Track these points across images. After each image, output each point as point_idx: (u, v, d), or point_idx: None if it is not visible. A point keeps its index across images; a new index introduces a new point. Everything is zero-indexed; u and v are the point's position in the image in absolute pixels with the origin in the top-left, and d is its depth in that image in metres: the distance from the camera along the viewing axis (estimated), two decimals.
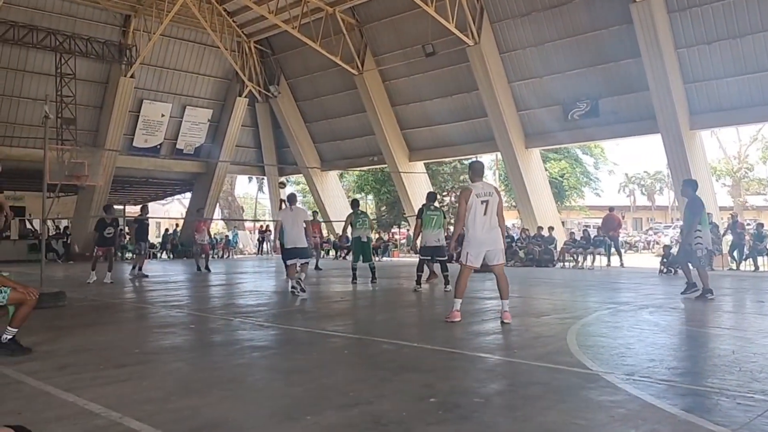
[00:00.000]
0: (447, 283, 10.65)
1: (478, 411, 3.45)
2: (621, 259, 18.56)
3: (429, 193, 11.94)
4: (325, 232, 24.67)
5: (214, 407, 3.62)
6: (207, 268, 16.72)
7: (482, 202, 6.65)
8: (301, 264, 10.26)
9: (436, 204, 11.61)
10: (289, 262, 10.17)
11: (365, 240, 12.32)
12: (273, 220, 13.74)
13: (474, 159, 8.91)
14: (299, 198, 48.28)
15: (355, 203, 13.35)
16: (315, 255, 17.41)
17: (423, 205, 11.29)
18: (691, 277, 9.37)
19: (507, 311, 6.75)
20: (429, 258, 10.93)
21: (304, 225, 10.27)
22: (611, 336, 6.09)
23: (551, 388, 3.96)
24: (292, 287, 9.88)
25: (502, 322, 6.64)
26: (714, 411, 3.44)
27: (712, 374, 4.37)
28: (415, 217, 12.63)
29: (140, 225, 14.86)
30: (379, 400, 3.70)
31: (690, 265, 9.32)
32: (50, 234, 27.49)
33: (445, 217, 11.73)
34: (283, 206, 10.91)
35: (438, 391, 3.90)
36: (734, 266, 17.14)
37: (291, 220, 10.17)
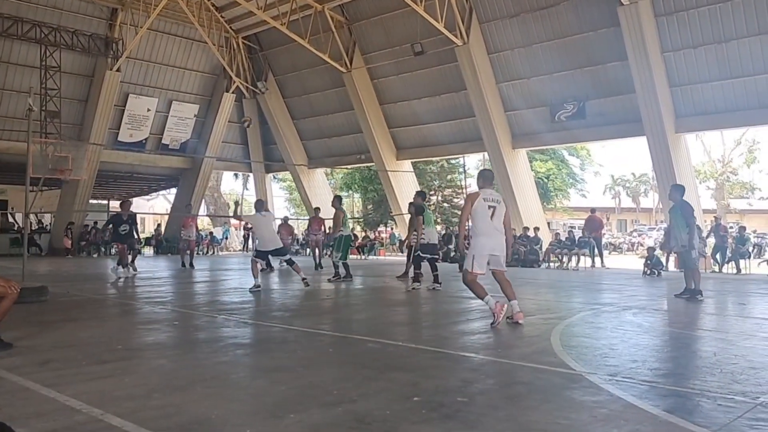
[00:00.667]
0: (436, 281, 10.65)
1: (462, 410, 3.46)
2: (602, 260, 18.69)
3: (420, 192, 11.91)
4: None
5: (197, 404, 3.59)
6: (191, 264, 16.61)
7: (489, 207, 6.66)
8: (290, 263, 10.87)
9: None
10: (258, 260, 10.60)
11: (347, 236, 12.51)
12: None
13: (484, 168, 9.01)
14: (286, 195, 48.27)
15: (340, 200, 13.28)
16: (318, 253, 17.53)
17: (417, 202, 11.20)
18: (691, 282, 9.43)
19: (520, 312, 6.71)
20: (428, 256, 10.98)
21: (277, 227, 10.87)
22: (595, 337, 6.13)
23: (535, 388, 3.98)
24: (256, 286, 10.16)
25: (517, 323, 6.58)
26: (695, 412, 3.47)
27: (693, 376, 4.42)
28: (408, 215, 12.45)
29: (133, 221, 14.33)
30: (363, 399, 3.69)
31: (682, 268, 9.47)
32: (33, 228, 27.26)
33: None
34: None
35: (422, 390, 3.90)
36: (717, 269, 17.33)
37: (263, 224, 10.69)
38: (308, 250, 22.37)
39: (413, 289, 10.55)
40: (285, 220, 20.66)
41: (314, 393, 3.86)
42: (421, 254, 10.85)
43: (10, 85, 23.40)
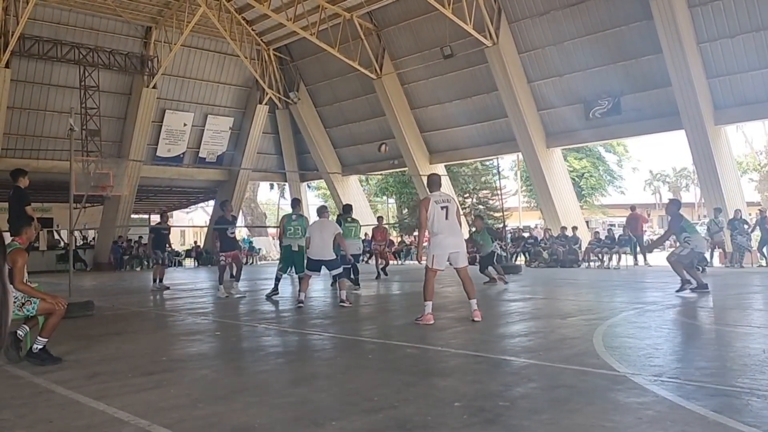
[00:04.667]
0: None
1: (504, 415, 3.43)
2: (645, 258, 18.31)
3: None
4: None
5: (240, 413, 3.64)
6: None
7: (442, 207, 7.08)
8: (339, 278, 9.62)
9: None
10: (308, 272, 9.56)
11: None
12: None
13: (431, 173, 9.17)
14: (321, 203, 48.50)
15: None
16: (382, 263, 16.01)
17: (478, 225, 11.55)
18: (699, 277, 9.70)
19: (477, 309, 7.09)
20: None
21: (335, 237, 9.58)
22: (638, 337, 6.01)
23: (578, 391, 3.92)
24: (300, 301, 9.30)
25: (472, 320, 6.96)
26: (744, 411, 3.37)
27: (741, 374, 4.30)
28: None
29: (157, 234, 14.24)
30: (403, 405, 3.69)
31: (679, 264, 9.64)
32: (78, 244, 28.01)
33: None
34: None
35: (463, 395, 3.89)
36: (764, 263, 16.81)
37: (319, 231, 9.53)
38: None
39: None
40: (380, 219, 18.77)
41: (355, 399, 3.88)
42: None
43: (51, 106, 24.15)
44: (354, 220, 12.45)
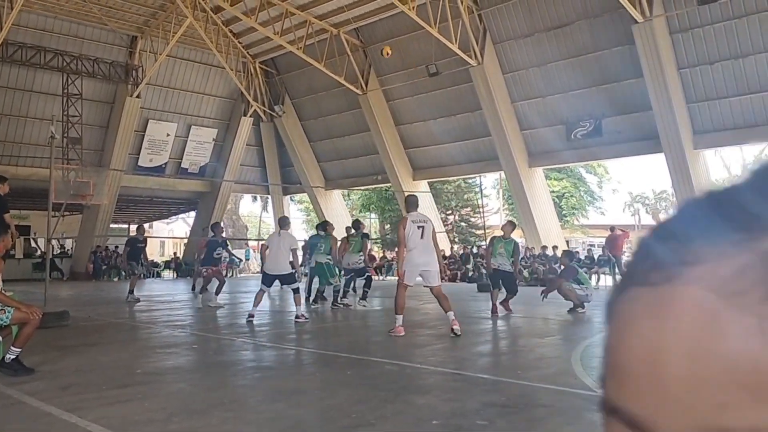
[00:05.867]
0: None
1: None
2: None
3: (510, 221, 11.50)
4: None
5: (215, 429, 3.61)
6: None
7: (418, 227, 7.39)
8: (294, 293, 9.45)
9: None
10: (263, 287, 9.54)
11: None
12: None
13: (409, 194, 9.22)
14: (303, 216, 48.39)
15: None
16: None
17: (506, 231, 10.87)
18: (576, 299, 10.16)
19: (455, 320, 7.25)
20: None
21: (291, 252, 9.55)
22: None
23: (555, 410, 3.94)
24: (251, 314, 9.16)
25: (452, 330, 7.16)
26: None
27: None
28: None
29: (132, 247, 13.93)
30: (380, 422, 3.68)
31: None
32: (54, 253, 27.63)
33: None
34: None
35: (440, 413, 3.88)
36: None
37: (276, 244, 9.48)
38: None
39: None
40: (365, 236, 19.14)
41: (332, 416, 3.86)
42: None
43: (33, 113, 23.88)
44: (357, 234, 12.41)
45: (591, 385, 4.59)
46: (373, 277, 13.13)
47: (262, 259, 10.33)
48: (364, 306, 11.40)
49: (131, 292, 13.23)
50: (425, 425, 3.61)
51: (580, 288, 10.30)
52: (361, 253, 12.24)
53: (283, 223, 9.88)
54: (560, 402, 4.16)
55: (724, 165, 44.78)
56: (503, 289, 9.91)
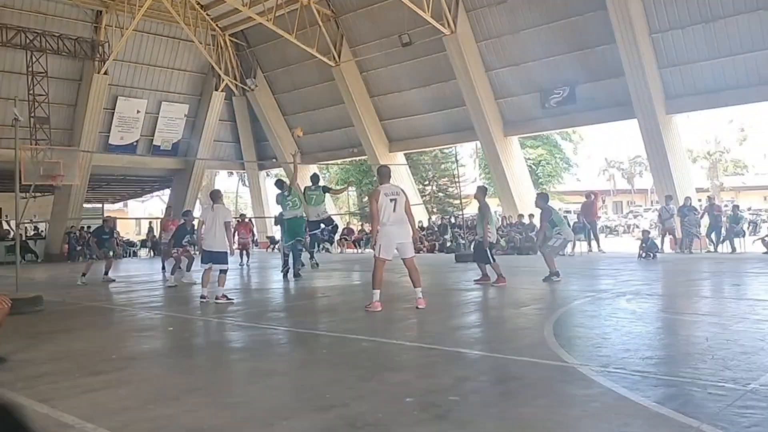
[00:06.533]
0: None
1: (454, 410, 3.47)
2: (599, 245, 18.68)
3: (480, 187, 10.90)
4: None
5: (190, 415, 3.60)
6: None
7: (391, 200, 7.41)
8: (220, 272, 9.10)
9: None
10: (204, 266, 9.27)
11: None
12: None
13: (381, 165, 9.07)
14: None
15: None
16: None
17: (478, 198, 10.41)
18: (553, 266, 10.06)
19: (421, 297, 7.41)
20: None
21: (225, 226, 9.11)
22: (588, 326, 6.15)
23: (527, 383, 4.00)
24: (202, 296, 9.02)
25: (417, 308, 7.30)
26: (685, 402, 3.48)
27: (684, 363, 4.44)
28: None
29: (98, 238, 14.24)
30: (356, 402, 3.70)
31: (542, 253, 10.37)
32: (28, 235, 27.19)
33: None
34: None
35: (415, 389, 3.92)
36: (712, 248, 17.37)
37: (210, 219, 9.09)
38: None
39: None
40: (242, 218, 20.22)
41: (307, 397, 3.88)
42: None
43: None
44: (317, 188, 12.89)
45: (563, 356, 4.66)
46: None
47: (197, 235, 9.95)
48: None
49: (83, 275, 13.39)
50: (399, 403, 3.64)
51: (555, 235, 10.19)
52: (324, 204, 12.95)
53: (215, 196, 9.47)
54: (532, 374, 4.22)
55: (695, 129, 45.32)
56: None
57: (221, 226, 8.99)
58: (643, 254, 15.39)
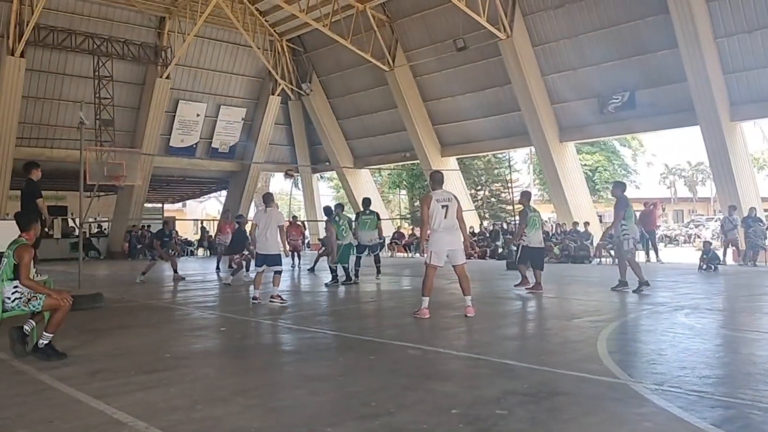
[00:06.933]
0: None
1: (499, 424, 3.42)
2: (657, 255, 18.10)
3: (524, 193, 11.37)
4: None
5: (237, 417, 3.66)
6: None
7: (443, 206, 7.35)
8: (275, 273, 9.28)
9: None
10: (258, 269, 9.41)
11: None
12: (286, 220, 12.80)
13: (434, 170, 9.01)
14: (333, 194, 48.57)
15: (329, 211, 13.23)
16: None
17: (522, 203, 10.72)
18: (624, 274, 9.76)
19: (470, 306, 7.37)
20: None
21: (279, 229, 9.22)
22: (643, 341, 5.97)
23: (576, 399, 3.90)
24: (254, 297, 9.22)
25: (465, 316, 7.26)
26: (745, 425, 3.33)
27: (745, 384, 4.25)
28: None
29: (161, 240, 14.63)
30: (400, 411, 3.69)
31: (616, 258, 10.01)
32: (92, 233, 28.28)
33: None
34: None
35: (460, 401, 3.87)
36: None
37: (264, 222, 9.20)
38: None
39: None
40: (294, 219, 20.25)
41: (352, 404, 3.89)
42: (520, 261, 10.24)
43: (66, 95, 24.30)
44: (371, 213, 12.91)
45: (615, 372, 4.53)
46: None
47: (251, 238, 10.18)
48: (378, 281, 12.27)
49: (144, 273, 13.82)
50: (444, 415, 3.60)
51: (623, 235, 9.82)
52: (377, 229, 12.87)
53: (268, 199, 9.64)
54: (582, 390, 4.11)
55: (764, 137, 43.46)
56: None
57: (275, 228, 9.13)
58: (704, 266, 14.82)
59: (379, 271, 13.18)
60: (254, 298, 9.18)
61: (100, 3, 23.45)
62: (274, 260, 9.22)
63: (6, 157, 22.16)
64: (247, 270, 13.50)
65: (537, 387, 4.28)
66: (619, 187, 10.28)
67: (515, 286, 10.19)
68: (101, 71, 24.18)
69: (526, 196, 10.89)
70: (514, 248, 11.37)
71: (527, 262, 10.06)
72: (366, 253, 12.89)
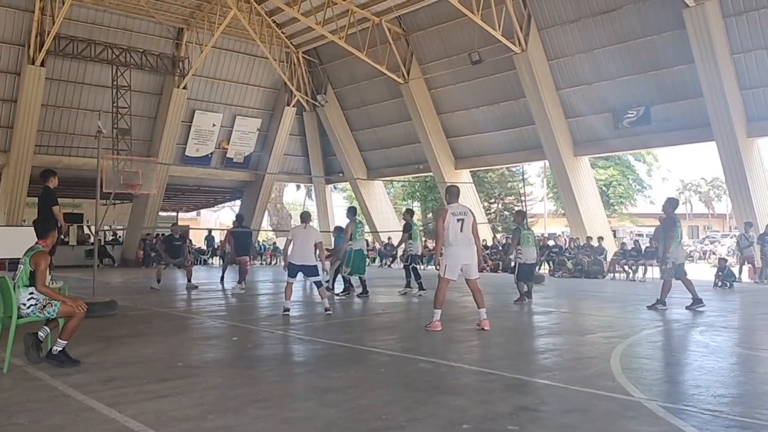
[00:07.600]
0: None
1: None
2: None
3: (518, 212, 12.37)
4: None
5: (248, 427, 3.67)
6: (242, 279, 14.16)
7: (458, 220, 7.40)
8: (318, 286, 9.66)
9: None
10: (289, 280, 9.42)
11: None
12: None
13: (450, 184, 9.18)
14: (347, 205, 48.63)
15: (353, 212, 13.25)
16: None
17: (517, 221, 11.47)
18: (695, 292, 9.62)
19: (485, 319, 7.43)
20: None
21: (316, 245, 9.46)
22: (657, 358, 5.91)
23: (589, 417, 3.86)
24: (286, 308, 9.21)
25: (482, 329, 7.32)
26: None
27: (761, 404, 4.19)
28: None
29: (169, 245, 14.83)
30: (411, 425, 3.68)
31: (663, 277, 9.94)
32: (107, 240, 28.52)
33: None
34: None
35: (471, 416, 3.85)
36: None
37: (302, 237, 9.43)
38: None
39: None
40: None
41: (363, 417, 3.88)
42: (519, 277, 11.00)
43: (84, 104, 24.61)
44: (414, 224, 13.23)
45: (629, 389, 4.49)
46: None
47: (283, 252, 10.48)
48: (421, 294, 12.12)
49: (158, 281, 13.94)
50: (456, 429, 3.59)
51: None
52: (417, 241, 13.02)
53: (306, 218, 9.87)
54: (594, 407, 4.08)
55: None
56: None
57: (312, 244, 9.39)
58: (720, 283, 14.69)
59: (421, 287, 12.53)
60: (286, 310, 9.13)
61: (120, 14, 23.79)
62: (311, 271, 9.43)
63: (24, 165, 22.47)
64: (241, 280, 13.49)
65: (550, 403, 4.25)
66: (671, 204, 10.06)
67: (514, 302, 10.66)
68: (119, 81, 24.48)
69: (520, 215, 11.65)
70: (511, 263, 12.35)
71: (524, 278, 10.79)
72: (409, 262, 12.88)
